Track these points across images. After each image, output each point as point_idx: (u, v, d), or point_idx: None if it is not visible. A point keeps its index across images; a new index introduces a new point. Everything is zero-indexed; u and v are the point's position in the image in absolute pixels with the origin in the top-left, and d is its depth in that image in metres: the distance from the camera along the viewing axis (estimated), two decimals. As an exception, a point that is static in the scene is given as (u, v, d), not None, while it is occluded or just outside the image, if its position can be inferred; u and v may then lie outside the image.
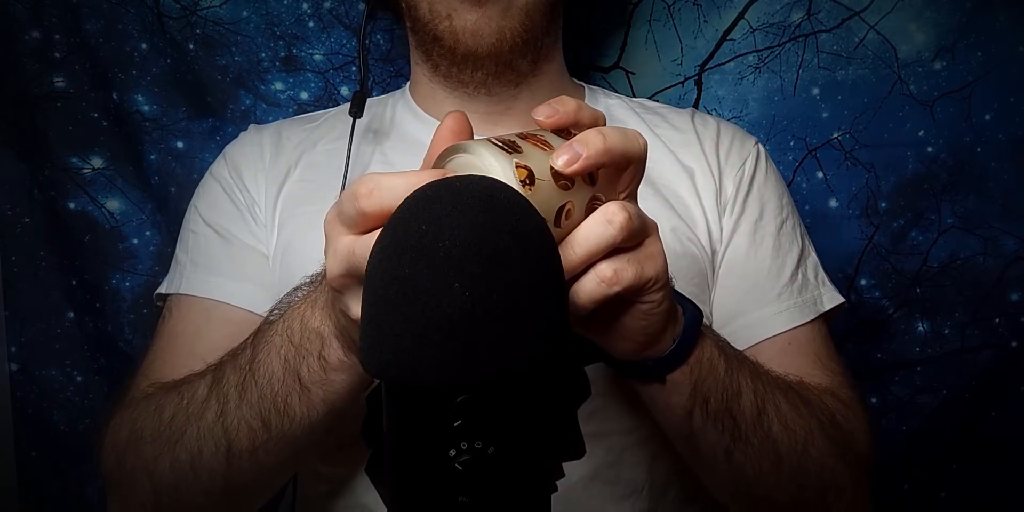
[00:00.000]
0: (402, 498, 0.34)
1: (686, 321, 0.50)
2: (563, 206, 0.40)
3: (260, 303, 0.66)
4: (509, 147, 0.39)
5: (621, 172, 0.43)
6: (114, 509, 0.60)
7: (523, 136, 0.41)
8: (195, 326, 0.67)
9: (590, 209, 0.42)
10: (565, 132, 0.43)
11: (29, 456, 0.95)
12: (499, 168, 0.38)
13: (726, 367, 0.53)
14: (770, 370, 0.59)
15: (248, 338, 0.55)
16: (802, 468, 0.58)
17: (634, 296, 0.44)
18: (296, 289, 0.55)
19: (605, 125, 0.43)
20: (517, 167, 0.38)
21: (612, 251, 0.42)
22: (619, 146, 0.41)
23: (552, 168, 0.40)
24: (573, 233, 0.41)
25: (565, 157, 0.39)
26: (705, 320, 0.53)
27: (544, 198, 0.39)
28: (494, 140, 0.40)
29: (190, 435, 0.54)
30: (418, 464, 0.33)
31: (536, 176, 0.39)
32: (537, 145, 0.41)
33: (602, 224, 0.41)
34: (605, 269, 0.42)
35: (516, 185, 0.38)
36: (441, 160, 0.41)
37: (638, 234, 0.42)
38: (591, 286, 0.42)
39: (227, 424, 0.53)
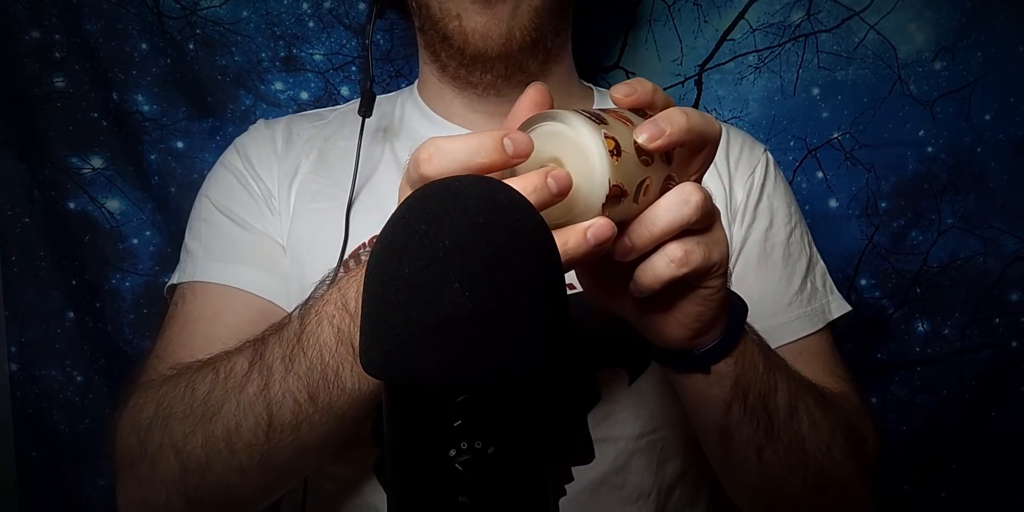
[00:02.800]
0: (402, 498, 0.34)
1: (733, 312, 0.50)
2: (643, 181, 0.40)
3: (275, 292, 0.66)
4: (596, 118, 0.39)
5: (695, 154, 0.43)
6: (130, 490, 0.58)
7: (604, 110, 0.41)
8: (213, 310, 0.66)
9: (664, 188, 0.42)
10: (640, 112, 0.43)
11: (29, 456, 0.95)
12: (590, 137, 0.38)
13: (765, 362, 0.53)
14: (798, 371, 0.59)
15: (292, 312, 0.54)
16: (826, 469, 0.58)
17: (697, 280, 0.44)
18: (342, 265, 0.54)
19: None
20: (606, 138, 0.38)
21: (682, 232, 0.41)
22: (700, 126, 0.41)
23: (635, 143, 0.40)
24: (648, 210, 0.41)
25: (648, 133, 0.39)
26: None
27: (628, 171, 0.39)
28: (581, 111, 0.40)
29: (228, 410, 0.53)
30: (418, 464, 0.33)
31: (622, 148, 0.39)
32: (620, 120, 0.41)
33: (679, 203, 0.40)
34: (676, 249, 0.42)
35: (606, 155, 0.38)
36: (526, 127, 0.41)
37: (709, 216, 0.42)
38: (660, 266, 0.42)
39: (270, 397, 0.51)
